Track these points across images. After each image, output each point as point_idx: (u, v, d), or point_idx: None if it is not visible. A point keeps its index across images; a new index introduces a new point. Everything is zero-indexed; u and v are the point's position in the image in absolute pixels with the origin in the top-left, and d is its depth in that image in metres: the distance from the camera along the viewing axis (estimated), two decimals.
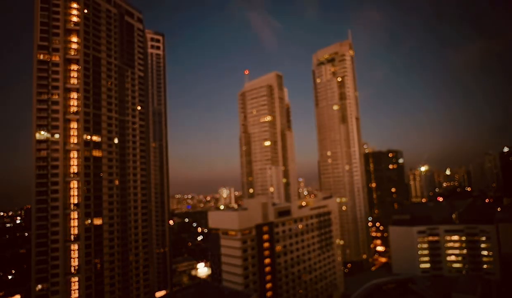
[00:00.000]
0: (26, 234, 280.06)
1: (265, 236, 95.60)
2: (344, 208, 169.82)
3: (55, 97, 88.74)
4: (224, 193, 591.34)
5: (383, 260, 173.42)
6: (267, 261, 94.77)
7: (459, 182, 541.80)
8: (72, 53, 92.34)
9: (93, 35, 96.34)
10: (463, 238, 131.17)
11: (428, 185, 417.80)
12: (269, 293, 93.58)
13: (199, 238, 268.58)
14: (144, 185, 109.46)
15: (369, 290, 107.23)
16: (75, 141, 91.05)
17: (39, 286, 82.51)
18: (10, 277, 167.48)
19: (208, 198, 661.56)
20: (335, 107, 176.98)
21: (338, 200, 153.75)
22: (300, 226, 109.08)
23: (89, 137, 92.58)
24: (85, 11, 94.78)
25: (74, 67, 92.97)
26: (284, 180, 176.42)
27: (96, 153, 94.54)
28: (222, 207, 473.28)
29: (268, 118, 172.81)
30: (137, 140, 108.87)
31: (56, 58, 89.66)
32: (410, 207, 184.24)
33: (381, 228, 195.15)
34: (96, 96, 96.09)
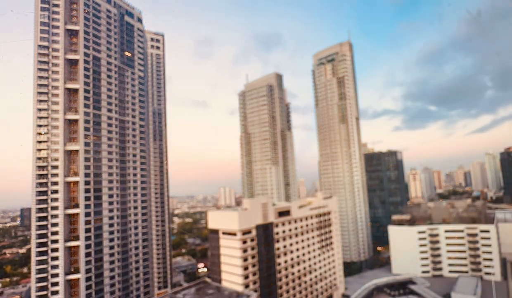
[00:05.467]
0: (26, 234, 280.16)
1: (265, 236, 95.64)
2: (343, 208, 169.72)
3: (55, 97, 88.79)
4: (224, 193, 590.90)
5: (383, 260, 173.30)
6: (267, 261, 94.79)
7: (459, 182, 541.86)
8: (72, 53, 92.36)
9: (93, 35, 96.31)
10: (463, 238, 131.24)
11: (428, 185, 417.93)
12: (269, 293, 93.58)
13: (199, 238, 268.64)
14: (144, 185, 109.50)
15: (369, 290, 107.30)
16: (75, 141, 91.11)
17: (39, 286, 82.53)
18: (9, 277, 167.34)
19: (208, 198, 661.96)
20: (335, 107, 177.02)
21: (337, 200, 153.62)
22: (300, 226, 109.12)
23: (89, 137, 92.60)
24: (85, 11, 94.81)
25: (74, 67, 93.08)
26: (284, 180, 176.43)
27: (96, 153, 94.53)
28: (222, 207, 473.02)
29: (268, 118, 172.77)
30: (137, 140, 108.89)
31: (56, 58, 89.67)
32: (410, 207, 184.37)
33: (381, 228, 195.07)
34: (96, 96, 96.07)
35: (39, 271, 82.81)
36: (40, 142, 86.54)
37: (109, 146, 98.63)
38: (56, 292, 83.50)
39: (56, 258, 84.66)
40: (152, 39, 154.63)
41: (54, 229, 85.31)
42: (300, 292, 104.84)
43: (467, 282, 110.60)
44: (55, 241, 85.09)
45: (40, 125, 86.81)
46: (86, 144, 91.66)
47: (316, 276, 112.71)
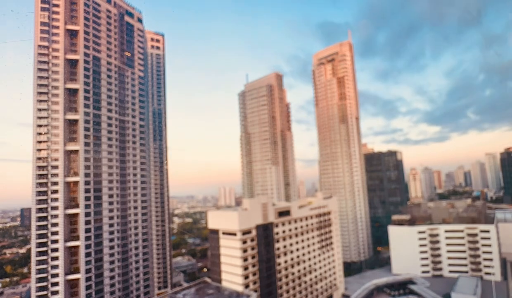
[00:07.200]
0: (26, 234, 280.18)
1: (265, 236, 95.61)
2: (343, 208, 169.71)
3: (55, 97, 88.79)
4: (224, 193, 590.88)
5: (383, 260, 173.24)
6: (267, 261, 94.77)
7: (459, 182, 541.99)
8: (72, 53, 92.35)
9: (93, 35, 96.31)
10: (463, 238, 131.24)
11: (428, 185, 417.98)
12: (269, 293, 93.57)
13: (199, 238, 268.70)
14: (144, 185, 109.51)
15: (369, 290, 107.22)
16: (75, 141, 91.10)
17: (39, 286, 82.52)
18: (9, 277, 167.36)
19: (208, 198, 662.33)
20: (335, 107, 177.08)
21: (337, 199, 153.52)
22: (300, 226, 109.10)
23: (89, 137, 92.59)
24: (85, 11, 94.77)
25: (74, 67, 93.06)
26: (284, 180, 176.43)
27: (96, 153, 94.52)
28: (222, 207, 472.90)
29: (268, 118, 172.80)
30: (137, 140, 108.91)
31: (56, 58, 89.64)
32: (410, 207, 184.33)
33: (381, 228, 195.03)
34: (96, 96, 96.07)
35: (39, 271, 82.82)
36: (40, 142, 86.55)
37: (109, 146, 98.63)
38: (56, 292, 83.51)
39: (56, 258, 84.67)
40: (152, 39, 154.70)
41: (54, 229, 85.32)
42: (300, 292, 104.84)
43: (467, 282, 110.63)
44: (55, 241, 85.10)
45: (40, 125, 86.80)
46: (86, 144, 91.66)
47: (316, 276, 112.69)
